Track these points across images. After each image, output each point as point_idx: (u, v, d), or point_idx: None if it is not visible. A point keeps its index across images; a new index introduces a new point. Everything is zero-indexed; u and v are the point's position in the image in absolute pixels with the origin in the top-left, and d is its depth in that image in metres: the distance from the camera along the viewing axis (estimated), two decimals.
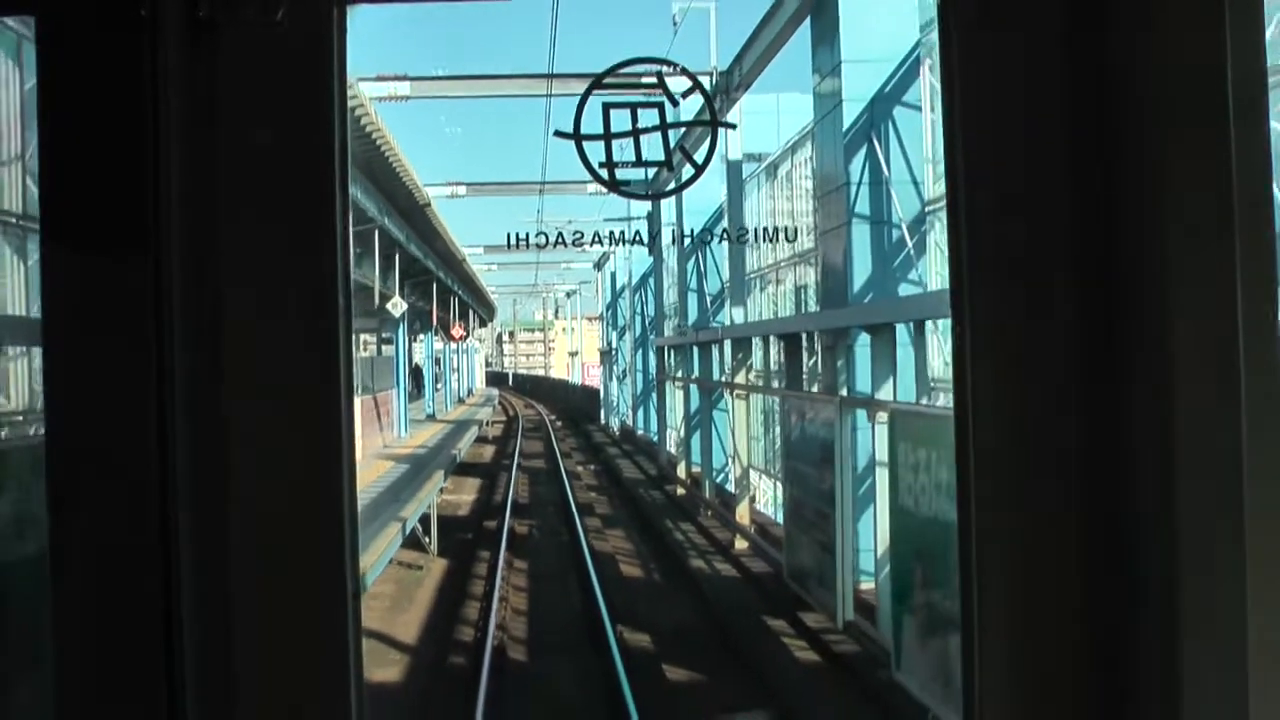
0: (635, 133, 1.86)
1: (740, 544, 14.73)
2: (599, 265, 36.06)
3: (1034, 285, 1.46)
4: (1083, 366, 1.45)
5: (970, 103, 1.47)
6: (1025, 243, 1.46)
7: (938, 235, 11.06)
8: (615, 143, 1.95)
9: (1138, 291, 1.41)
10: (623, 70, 1.92)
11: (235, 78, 1.46)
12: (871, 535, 9.61)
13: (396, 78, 14.85)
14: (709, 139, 2.01)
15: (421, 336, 30.90)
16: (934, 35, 10.78)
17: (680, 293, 20.78)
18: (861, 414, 9.71)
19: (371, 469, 16.81)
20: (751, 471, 15.35)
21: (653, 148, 2.02)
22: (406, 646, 11.03)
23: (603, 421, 36.72)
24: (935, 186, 11.06)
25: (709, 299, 19.52)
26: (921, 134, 10.94)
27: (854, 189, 10.87)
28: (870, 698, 8.52)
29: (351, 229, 1.48)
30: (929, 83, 10.90)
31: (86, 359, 1.43)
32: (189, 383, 1.44)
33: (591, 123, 1.88)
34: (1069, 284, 1.45)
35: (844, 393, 10.13)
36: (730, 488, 16.58)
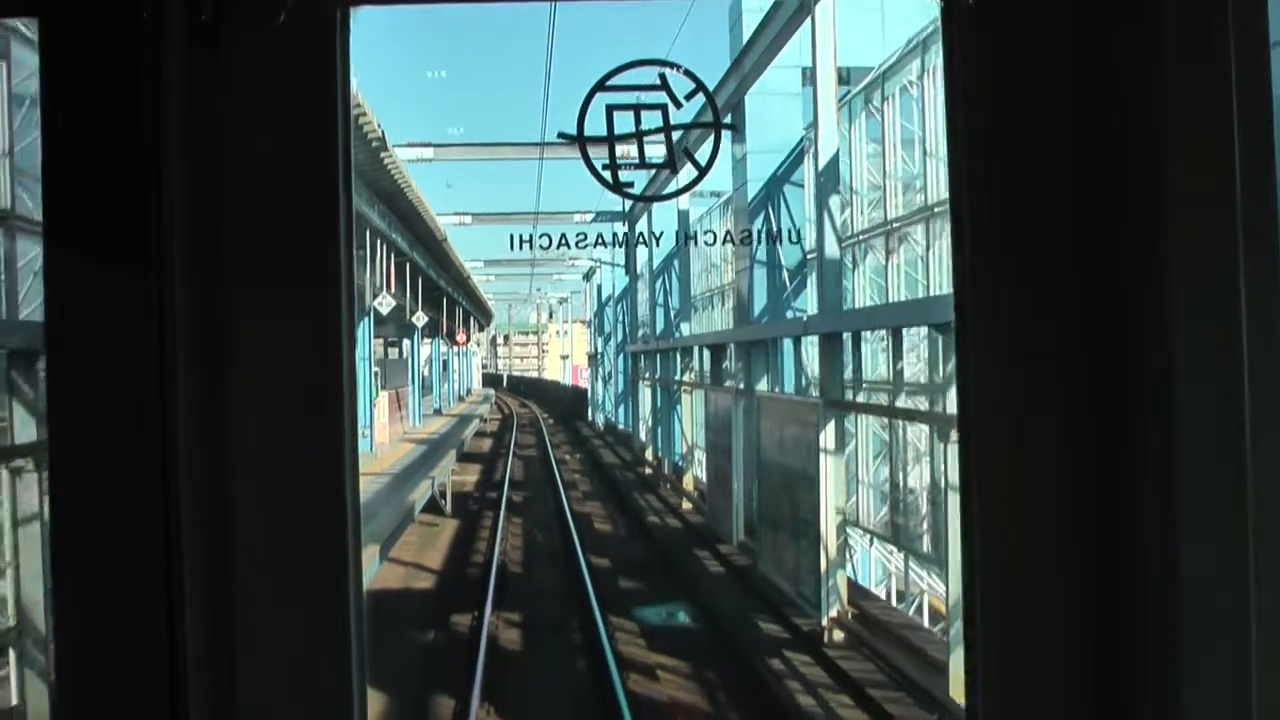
0: (639, 134, 1.82)
1: (686, 505, 19.35)
2: (587, 277, 40.45)
3: (1037, 285, 1.47)
4: (1085, 366, 1.46)
5: (972, 104, 1.49)
6: (1027, 243, 1.47)
7: (816, 275, 15.66)
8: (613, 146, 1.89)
9: (1141, 290, 1.43)
10: (626, 71, 1.83)
11: (237, 80, 1.46)
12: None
13: (423, 144, 19.45)
14: (712, 142, 1.86)
15: (428, 341, 35.45)
16: (814, 132, 15.45)
17: (650, 307, 25.35)
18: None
19: (399, 449, 21.42)
20: (696, 450, 19.98)
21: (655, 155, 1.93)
22: (434, 570, 15.59)
23: (590, 418, 41.22)
24: (813, 241, 15.67)
25: (673, 313, 24.09)
26: (804, 204, 15.55)
27: (755, 242, 15.47)
28: (744, 583, 13.18)
29: (355, 231, 1.51)
30: (810, 168, 15.54)
31: (90, 363, 1.44)
32: (192, 386, 1.45)
33: (594, 127, 1.84)
34: (1072, 283, 1.46)
35: (740, 387, 14.75)
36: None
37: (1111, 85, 1.44)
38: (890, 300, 12.38)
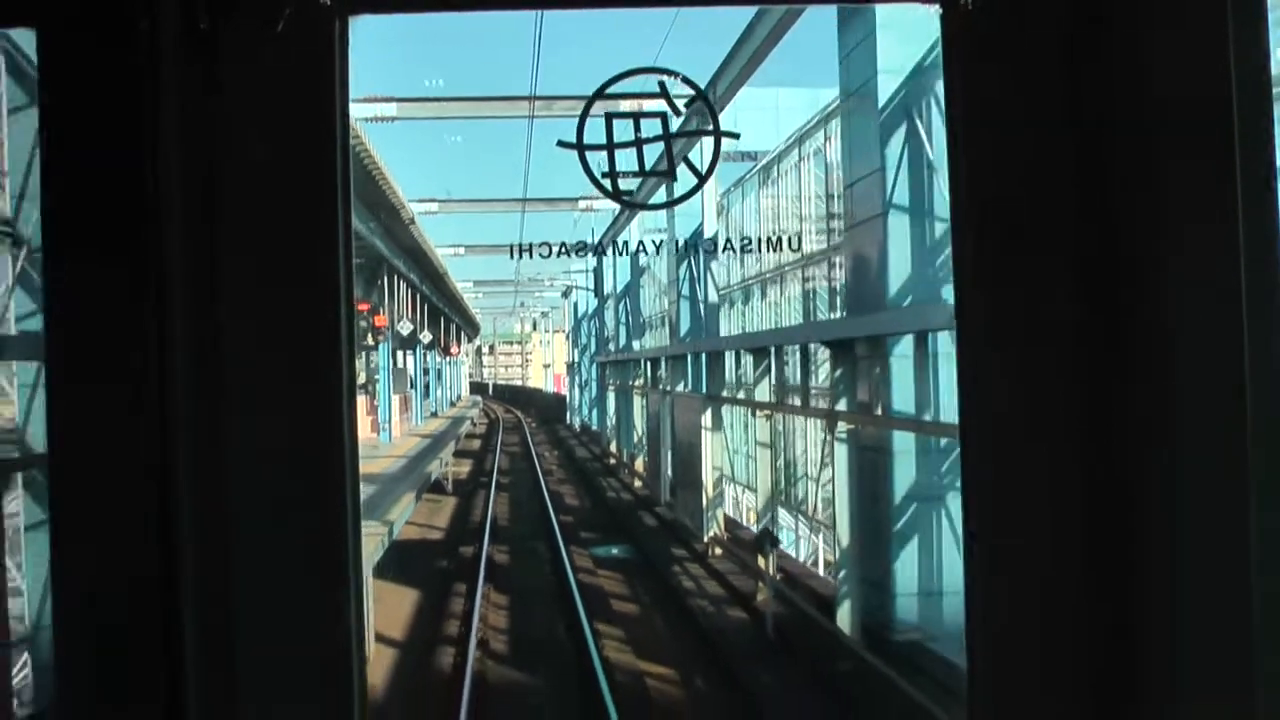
0: (638, 142, 1.86)
1: (637, 483, 25.18)
2: (565, 295, 46.31)
3: (1036, 287, 1.48)
4: (1085, 371, 1.48)
5: (971, 107, 1.52)
6: (1027, 246, 1.48)
7: (727, 310, 21.45)
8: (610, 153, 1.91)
9: (1141, 296, 1.45)
10: (624, 80, 1.85)
11: (235, 89, 1.47)
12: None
13: (431, 200, 25.25)
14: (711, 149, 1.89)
15: (426, 353, 41.17)
16: (732, 195, 21.31)
17: (614, 325, 31.16)
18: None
19: (409, 440, 27.19)
20: (644, 440, 25.82)
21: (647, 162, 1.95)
22: (443, 526, 21.37)
23: (568, 421, 47.02)
24: (731, 277, 21.47)
25: (632, 330, 29.90)
26: (716, 257, 21.35)
27: (681, 282, 21.31)
28: (667, 528, 19.05)
29: (354, 243, 1.49)
30: (721, 230, 21.37)
31: (89, 366, 1.46)
32: (191, 387, 1.48)
33: (593, 136, 1.88)
34: (1071, 285, 1.47)
35: (666, 389, 20.63)
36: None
37: (1110, 87, 1.45)
38: (758, 329, 18.18)
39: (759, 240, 18.78)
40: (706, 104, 1.86)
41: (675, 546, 17.61)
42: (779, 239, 17.25)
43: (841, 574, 10.69)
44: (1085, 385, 1.48)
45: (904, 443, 9.93)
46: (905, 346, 9.71)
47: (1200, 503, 1.41)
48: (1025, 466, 1.49)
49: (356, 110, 15.44)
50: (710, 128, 1.90)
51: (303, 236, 1.50)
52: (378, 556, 12.65)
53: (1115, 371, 1.46)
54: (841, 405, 10.56)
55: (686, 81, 1.84)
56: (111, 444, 1.45)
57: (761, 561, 12.40)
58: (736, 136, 1.96)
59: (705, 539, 16.30)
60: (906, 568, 9.94)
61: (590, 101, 1.83)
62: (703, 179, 1.91)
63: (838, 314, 14.09)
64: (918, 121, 10.04)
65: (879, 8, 10.29)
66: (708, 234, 17.62)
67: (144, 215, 1.44)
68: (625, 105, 1.86)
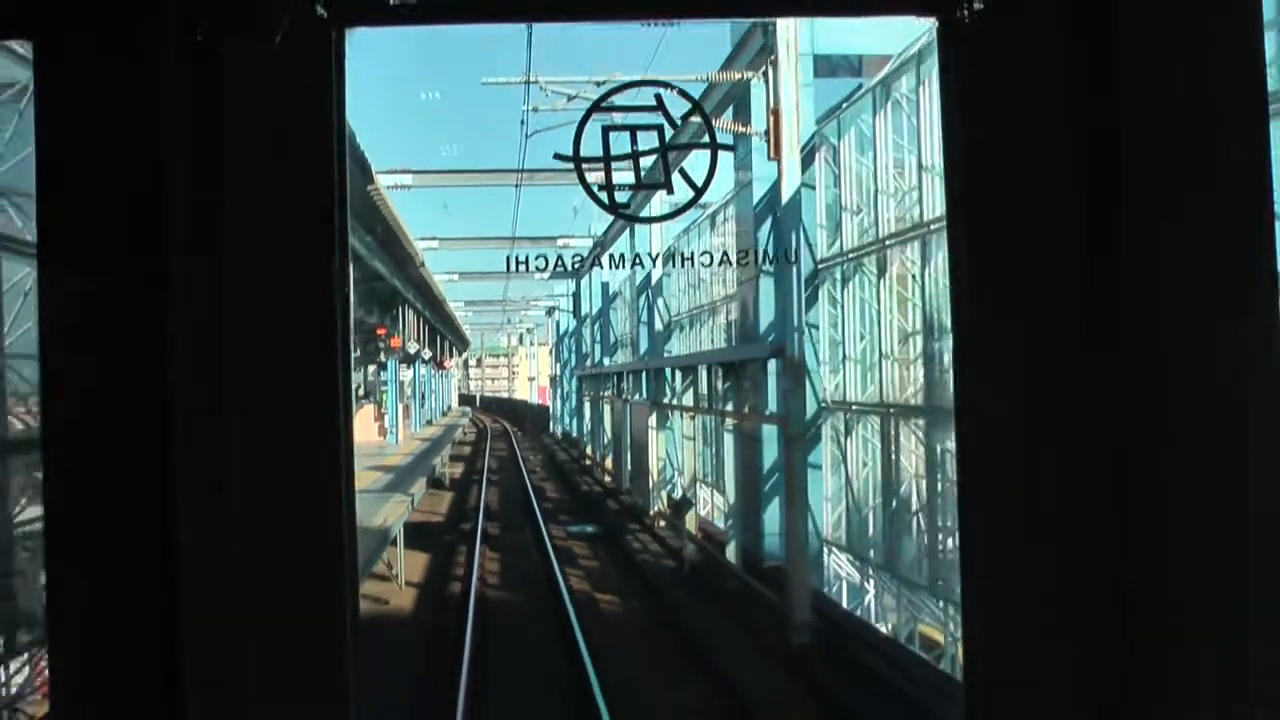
0: (634, 155, 1.87)
1: (607, 478, 30.15)
2: (549, 313, 51.18)
3: (1033, 288, 1.52)
4: (1083, 374, 1.52)
5: (969, 120, 1.56)
6: (1023, 255, 1.52)
7: (679, 333, 26.41)
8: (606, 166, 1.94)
9: (1139, 294, 1.49)
10: (622, 91, 1.89)
11: (233, 101, 1.51)
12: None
13: (431, 238, 30.16)
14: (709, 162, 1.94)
15: (423, 367, 46.09)
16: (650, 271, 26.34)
17: (590, 343, 36.13)
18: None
19: (412, 444, 32.18)
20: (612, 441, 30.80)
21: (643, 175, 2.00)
22: (444, 511, 26.31)
23: (551, 430, 51.90)
24: (683, 306, 26.44)
25: (604, 348, 34.83)
26: (662, 292, 26.34)
27: (640, 310, 26.33)
28: (625, 508, 24.06)
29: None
30: (673, 279, 26.35)
31: (88, 374, 1.49)
32: (190, 394, 1.50)
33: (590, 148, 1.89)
34: (1069, 287, 1.51)
35: (627, 397, 25.65)
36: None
37: (1107, 98, 1.49)
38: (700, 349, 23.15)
39: (697, 277, 23.81)
40: (703, 116, 1.95)
41: (630, 521, 22.61)
42: (713, 268, 22.22)
43: (729, 522, 15.72)
44: (1083, 387, 1.53)
45: (770, 431, 14.95)
46: (758, 368, 14.79)
47: (1198, 505, 1.45)
48: (1022, 468, 1.55)
49: (381, 180, 20.29)
50: (706, 140, 1.95)
51: (300, 244, 1.56)
52: (405, 518, 17.57)
53: (1113, 374, 1.51)
54: (729, 407, 15.63)
55: (683, 94, 1.90)
56: (110, 448, 1.49)
57: (684, 520, 17.43)
58: (732, 149, 2.91)
59: (651, 513, 21.31)
60: (771, 517, 14.95)
61: (587, 114, 1.89)
62: (700, 191, 1.98)
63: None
64: (780, 215, 15.09)
65: (755, 138, 15.25)
66: (657, 270, 22.68)
67: (143, 227, 1.46)
68: (621, 118, 1.91)
